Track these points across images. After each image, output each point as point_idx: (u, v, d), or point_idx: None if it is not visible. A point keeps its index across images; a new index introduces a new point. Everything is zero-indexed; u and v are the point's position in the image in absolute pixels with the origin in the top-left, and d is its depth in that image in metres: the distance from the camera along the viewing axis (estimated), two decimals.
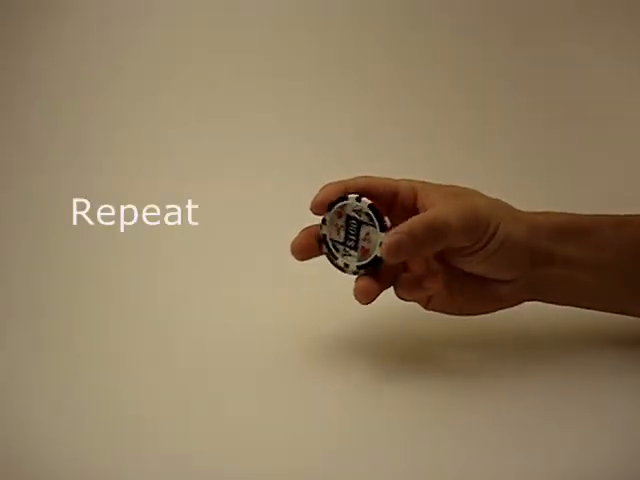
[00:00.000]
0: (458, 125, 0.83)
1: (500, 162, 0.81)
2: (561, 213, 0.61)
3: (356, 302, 0.57)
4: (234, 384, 0.59)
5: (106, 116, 0.81)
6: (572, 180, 0.81)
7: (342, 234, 0.58)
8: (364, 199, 0.57)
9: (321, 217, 0.58)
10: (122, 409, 0.56)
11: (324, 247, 0.58)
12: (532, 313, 0.63)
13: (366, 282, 0.56)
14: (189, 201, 0.77)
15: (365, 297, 0.56)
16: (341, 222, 0.57)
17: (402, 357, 0.61)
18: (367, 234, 0.57)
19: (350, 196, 0.57)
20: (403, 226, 0.56)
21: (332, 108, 0.83)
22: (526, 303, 0.61)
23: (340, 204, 0.57)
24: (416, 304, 0.60)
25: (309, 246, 0.58)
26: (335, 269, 0.58)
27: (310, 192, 0.58)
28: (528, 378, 0.59)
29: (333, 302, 0.65)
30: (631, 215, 0.61)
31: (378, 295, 0.57)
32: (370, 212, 0.57)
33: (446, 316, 0.61)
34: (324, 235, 0.58)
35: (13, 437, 0.53)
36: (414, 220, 0.56)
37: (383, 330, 0.65)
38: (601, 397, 0.56)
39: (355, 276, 0.57)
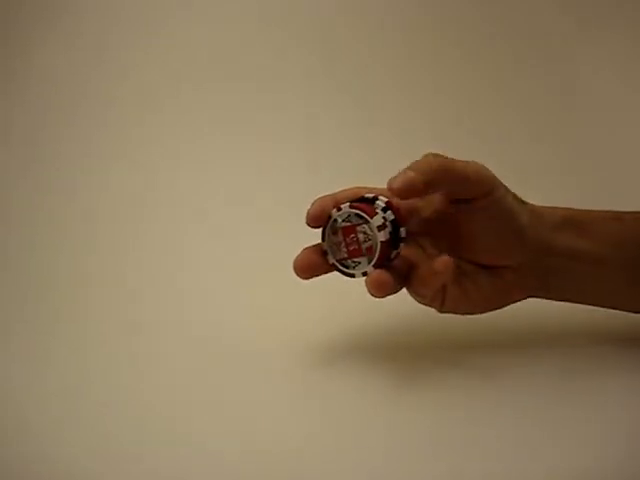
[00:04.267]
0: (459, 129, 0.83)
1: (500, 162, 0.81)
2: (561, 207, 0.61)
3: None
4: (238, 386, 0.59)
5: (108, 118, 0.82)
6: (571, 181, 0.81)
7: (344, 249, 0.58)
8: (343, 205, 0.57)
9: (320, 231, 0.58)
10: (122, 409, 0.56)
11: (336, 270, 0.58)
12: (537, 314, 0.63)
13: (379, 274, 0.56)
14: (190, 203, 0.77)
15: (380, 289, 0.56)
16: (338, 238, 0.58)
17: (414, 358, 0.62)
18: (365, 233, 0.57)
19: (332, 212, 0.58)
20: (412, 165, 0.56)
21: (332, 113, 0.83)
22: (533, 304, 0.61)
23: (329, 225, 0.58)
24: (429, 309, 0.60)
25: (312, 264, 0.58)
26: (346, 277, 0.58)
27: (309, 195, 0.59)
28: (531, 378, 0.59)
29: (340, 306, 0.66)
30: (628, 211, 0.62)
31: (392, 290, 0.57)
32: (355, 211, 0.57)
33: (453, 316, 0.61)
34: (330, 260, 0.58)
35: (13, 437, 0.54)
36: (423, 159, 0.56)
37: (391, 331, 0.65)
38: (604, 396, 0.56)
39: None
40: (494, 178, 0.58)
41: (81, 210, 0.76)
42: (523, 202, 0.60)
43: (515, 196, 0.60)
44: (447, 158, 0.57)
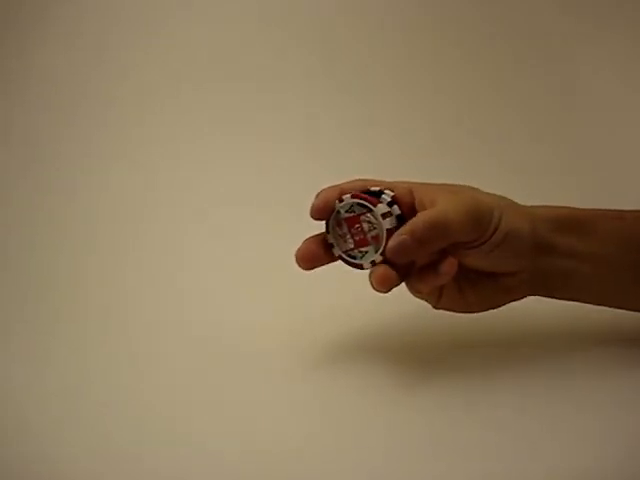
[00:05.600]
0: (459, 129, 0.83)
1: (500, 162, 0.81)
2: (562, 206, 0.61)
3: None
4: (238, 386, 0.59)
5: (108, 118, 0.82)
6: (571, 181, 0.81)
7: (350, 240, 0.58)
8: (345, 196, 0.57)
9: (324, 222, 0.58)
10: (122, 409, 0.56)
11: (343, 263, 0.58)
12: (537, 314, 0.63)
13: (384, 269, 0.56)
14: (190, 203, 0.77)
15: (384, 284, 0.56)
16: (343, 230, 0.58)
17: (414, 357, 0.62)
18: (369, 222, 0.57)
19: (336, 203, 0.57)
20: (405, 227, 0.56)
21: (332, 113, 0.83)
22: (532, 304, 0.61)
23: (332, 217, 0.57)
24: (425, 304, 0.60)
25: (314, 255, 0.58)
26: (351, 268, 0.58)
27: (309, 195, 0.58)
28: (531, 378, 0.59)
29: (340, 306, 0.66)
30: (628, 210, 0.62)
31: (395, 285, 0.57)
32: (357, 201, 0.57)
33: (452, 316, 0.61)
34: (337, 253, 0.58)
35: (13, 437, 0.54)
36: (416, 220, 0.56)
37: (392, 330, 0.65)
38: (605, 396, 0.56)
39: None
40: (488, 208, 0.57)
41: (81, 210, 0.76)
42: (520, 208, 0.60)
43: (512, 207, 0.59)
44: (436, 213, 0.56)
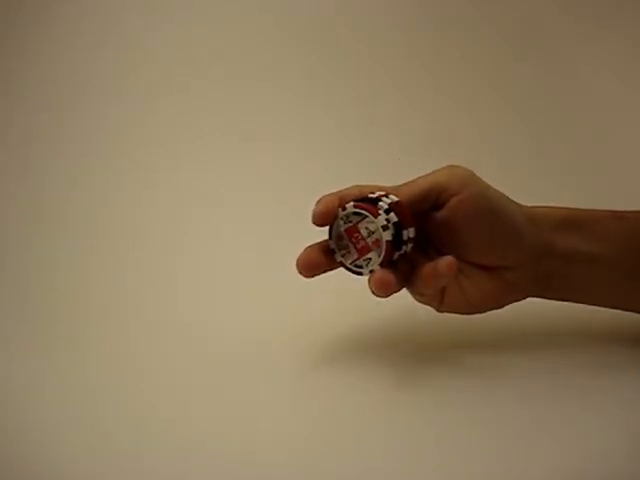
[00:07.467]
0: (458, 129, 0.83)
1: (500, 162, 0.81)
2: (561, 207, 0.61)
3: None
4: (238, 386, 0.59)
5: (108, 118, 0.82)
6: (571, 181, 0.81)
7: (353, 251, 0.58)
8: (347, 205, 0.57)
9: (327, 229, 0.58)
10: (122, 409, 0.56)
11: (348, 272, 0.58)
12: (537, 314, 0.63)
13: (383, 274, 0.56)
14: (190, 203, 0.77)
15: (383, 289, 0.56)
16: (345, 242, 0.58)
17: (414, 357, 0.62)
18: (367, 228, 0.57)
19: (339, 211, 0.57)
20: None
21: (331, 113, 0.83)
22: (533, 304, 0.61)
23: (334, 225, 0.57)
24: (428, 308, 0.60)
25: (315, 263, 0.58)
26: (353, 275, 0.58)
27: (309, 196, 0.58)
28: (531, 378, 0.59)
29: (340, 306, 0.66)
30: (629, 210, 0.62)
31: (395, 290, 0.57)
32: (354, 210, 0.57)
33: (453, 316, 0.61)
34: (338, 259, 0.58)
35: (13, 437, 0.54)
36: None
37: (392, 330, 0.65)
38: (605, 396, 0.57)
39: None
40: (461, 180, 0.59)
41: (81, 210, 0.76)
42: (519, 205, 0.60)
43: (507, 197, 0.60)
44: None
